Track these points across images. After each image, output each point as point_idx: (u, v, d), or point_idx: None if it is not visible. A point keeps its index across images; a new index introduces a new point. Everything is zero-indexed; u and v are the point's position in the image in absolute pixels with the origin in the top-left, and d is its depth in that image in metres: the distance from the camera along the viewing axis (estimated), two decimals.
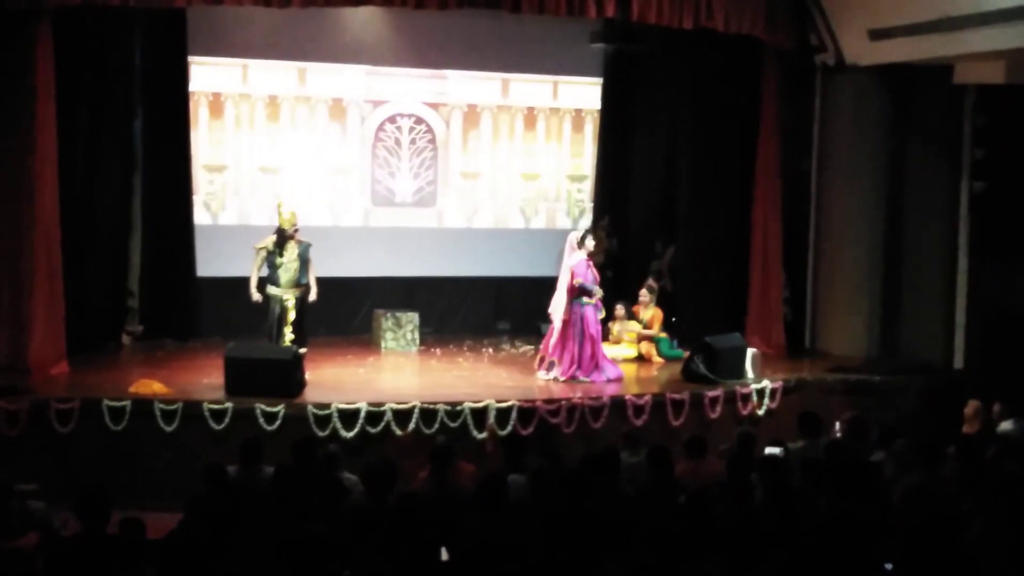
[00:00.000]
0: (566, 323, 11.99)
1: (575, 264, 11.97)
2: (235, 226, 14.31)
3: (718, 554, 5.92)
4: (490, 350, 14.03)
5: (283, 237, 11.74)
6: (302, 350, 11.48)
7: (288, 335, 11.63)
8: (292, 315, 11.68)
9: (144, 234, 13.99)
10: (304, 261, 11.79)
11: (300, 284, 11.77)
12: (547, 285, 15.21)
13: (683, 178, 14.88)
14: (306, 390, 11.09)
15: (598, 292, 12.03)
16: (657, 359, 13.31)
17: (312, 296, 11.86)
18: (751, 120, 13.84)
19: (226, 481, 7.45)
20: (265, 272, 11.81)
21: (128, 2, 11.26)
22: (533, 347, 14.21)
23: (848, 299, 13.81)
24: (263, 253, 11.78)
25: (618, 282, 14.70)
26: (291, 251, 11.73)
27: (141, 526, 6.16)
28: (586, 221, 15.59)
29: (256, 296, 11.70)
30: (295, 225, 11.79)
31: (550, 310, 12.19)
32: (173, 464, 10.14)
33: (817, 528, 6.30)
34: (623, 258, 15.34)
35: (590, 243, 12.13)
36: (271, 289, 11.73)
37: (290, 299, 11.70)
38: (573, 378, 11.96)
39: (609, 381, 11.97)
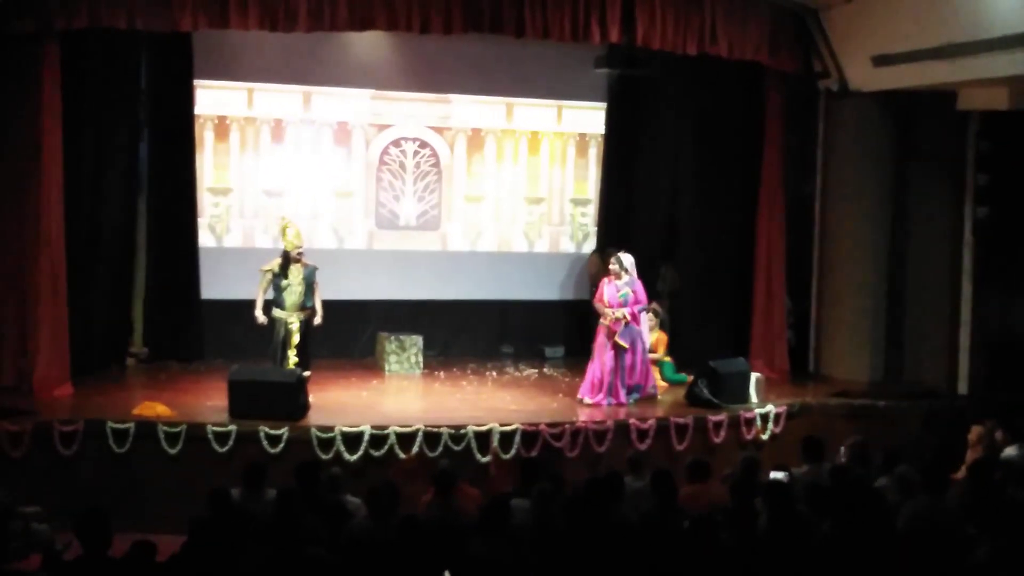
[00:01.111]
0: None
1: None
2: (240, 249, 14.33)
3: None
4: (494, 373, 14.01)
5: (287, 259, 11.75)
6: (306, 373, 11.48)
7: (292, 358, 11.61)
8: (296, 338, 11.65)
9: (149, 256, 14.00)
10: (309, 284, 11.76)
11: (305, 307, 11.74)
12: (551, 308, 15.36)
13: (687, 202, 14.91)
14: (310, 413, 11.08)
15: (607, 313, 12.04)
16: (661, 383, 13.29)
17: (317, 320, 11.84)
18: (755, 145, 13.88)
19: (230, 505, 7.44)
20: (271, 295, 11.82)
21: (134, 25, 11.33)
22: (536, 371, 14.24)
23: (852, 324, 13.80)
24: (269, 275, 11.78)
25: None
26: (296, 274, 11.72)
27: (152, 549, 6.14)
28: (590, 245, 15.62)
29: (261, 318, 11.71)
30: (298, 247, 11.77)
31: None
32: (177, 486, 10.10)
33: (821, 553, 6.30)
34: None
35: (612, 265, 12.26)
36: (276, 312, 11.72)
37: (295, 322, 11.67)
38: (581, 400, 12.07)
39: (609, 405, 12.00)
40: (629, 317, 12.09)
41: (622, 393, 12.08)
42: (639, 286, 12.22)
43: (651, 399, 12.35)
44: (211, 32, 12.47)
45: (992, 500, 7.58)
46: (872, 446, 9.37)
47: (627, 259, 12.29)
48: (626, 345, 12.09)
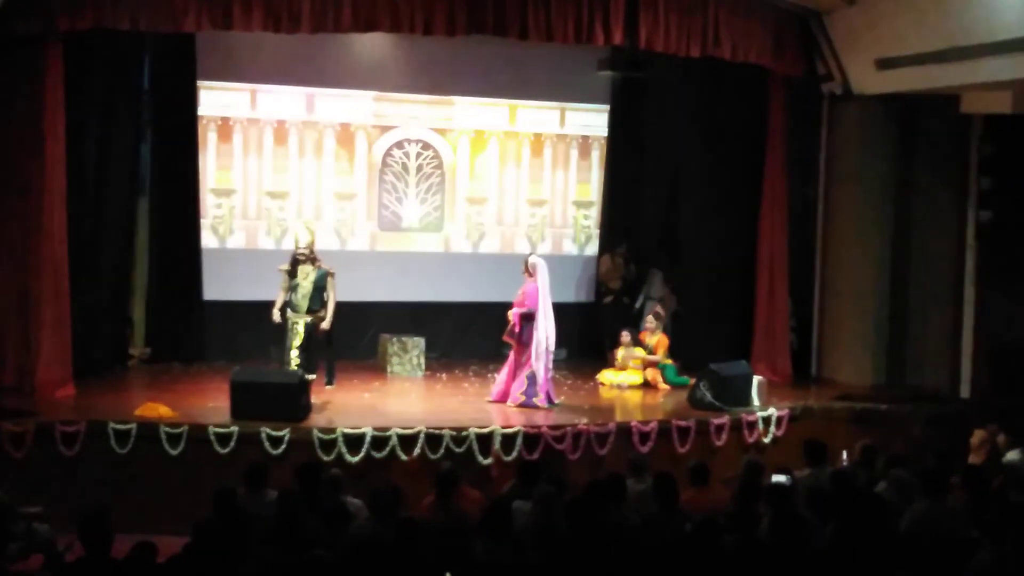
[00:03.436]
0: None
1: None
2: (242, 250, 14.34)
3: None
4: (496, 375, 13.98)
5: (295, 260, 11.71)
6: (310, 376, 11.41)
7: (295, 359, 11.50)
8: (298, 340, 11.53)
9: (151, 257, 14.02)
10: (319, 287, 11.61)
11: (312, 310, 11.56)
12: (553, 311, 15.31)
13: (689, 205, 14.91)
14: (311, 414, 11.08)
15: None
16: (663, 386, 13.30)
17: (324, 324, 11.63)
18: (758, 148, 13.87)
19: (235, 505, 7.43)
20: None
21: (138, 26, 11.33)
22: None
23: (854, 327, 13.78)
24: (284, 275, 11.72)
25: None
26: (305, 275, 11.60)
27: (154, 550, 6.13)
28: (593, 247, 15.62)
29: (276, 317, 11.58)
30: (302, 248, 11.68)
31: None
32: (178, 488, 10.11)
33: (823, 557, 6.29)
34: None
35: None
36: (288, 312, 11.61)
37: (299, 323, 11.57)
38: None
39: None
40: (511, 319, 12.05)
41: (510, 392, 12.06)
42: (529, 289, 12.02)
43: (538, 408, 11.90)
44: (214, 33, 12.47)
45: (994, 504, 7.56)
46: (878, 450, 9.35)
47: (533, 260, 12.20)
48: (510, 343, 12.16)
